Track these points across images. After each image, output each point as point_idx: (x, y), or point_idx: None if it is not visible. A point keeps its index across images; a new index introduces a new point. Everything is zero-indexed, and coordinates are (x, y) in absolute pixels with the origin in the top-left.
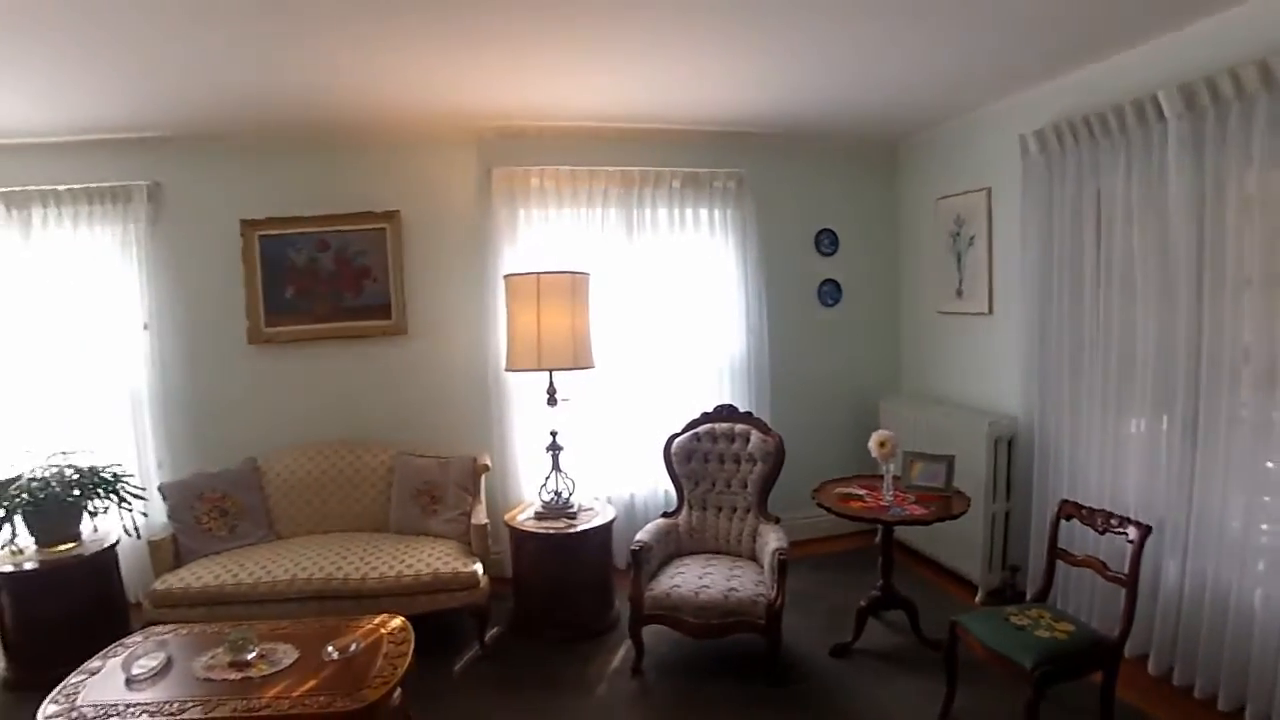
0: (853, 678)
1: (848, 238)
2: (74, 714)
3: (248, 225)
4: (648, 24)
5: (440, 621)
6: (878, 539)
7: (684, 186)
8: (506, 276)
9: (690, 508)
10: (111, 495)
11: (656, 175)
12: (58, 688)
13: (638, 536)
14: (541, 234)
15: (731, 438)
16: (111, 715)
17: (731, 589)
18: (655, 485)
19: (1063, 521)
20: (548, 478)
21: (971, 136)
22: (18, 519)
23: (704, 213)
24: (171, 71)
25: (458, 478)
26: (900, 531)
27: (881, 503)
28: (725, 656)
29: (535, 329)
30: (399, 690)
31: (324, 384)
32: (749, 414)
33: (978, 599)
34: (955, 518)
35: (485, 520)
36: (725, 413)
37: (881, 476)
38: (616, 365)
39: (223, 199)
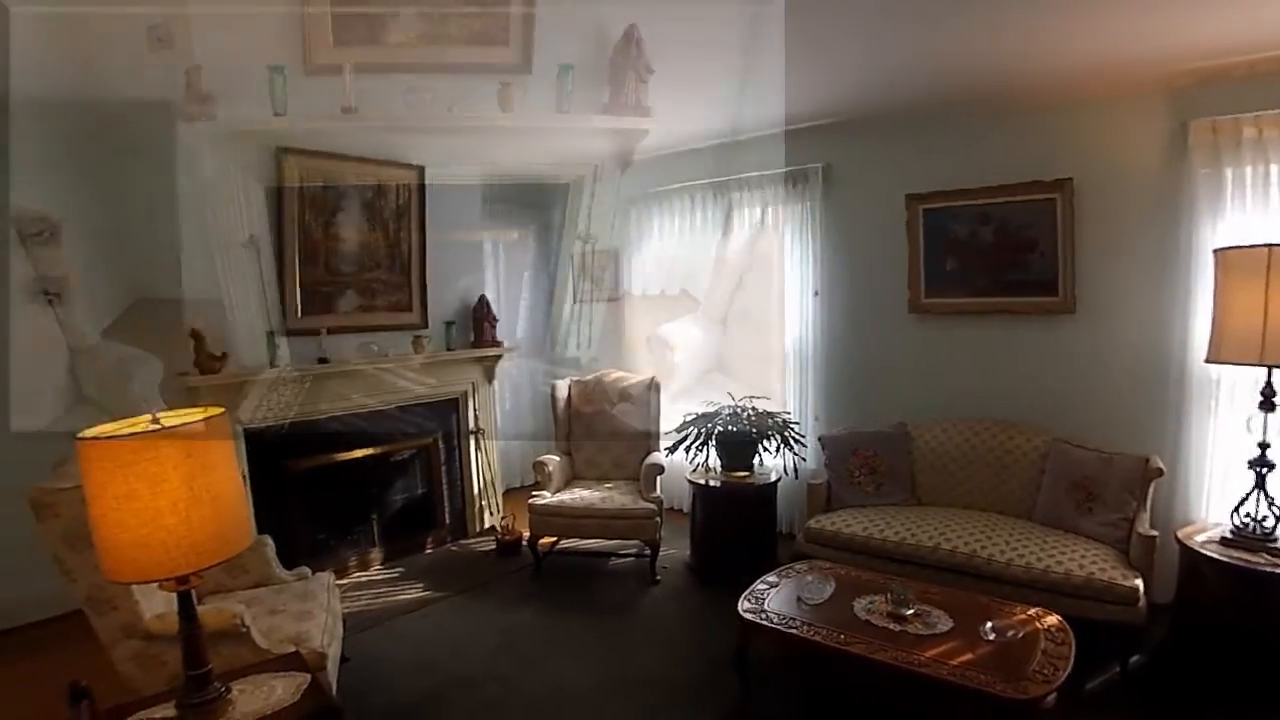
0: None
1: None
2: (762, 615)
3: (912, 199)
4: None
5: (1074, 628)
6: None
7: None
8: (1219, 250)
9: None
10: (780, 439)
11: None
12: (748, 590)
13: None
14: (1260, 197)
15: None
16: (790, 626)
17: None
18: None
19: None
20: (1245, 497)
21: None
22: (711, 446)
23: None
24: (846, 65)
25: (1123, 477)
26: None
27: None
28: None
29: (1261, 315)
30: (1053, 694)
31: (977, 358)
32: None
33: None
34: None
35: (1154, 532)
36: None
37: None
38: None
39: (888, 175)
